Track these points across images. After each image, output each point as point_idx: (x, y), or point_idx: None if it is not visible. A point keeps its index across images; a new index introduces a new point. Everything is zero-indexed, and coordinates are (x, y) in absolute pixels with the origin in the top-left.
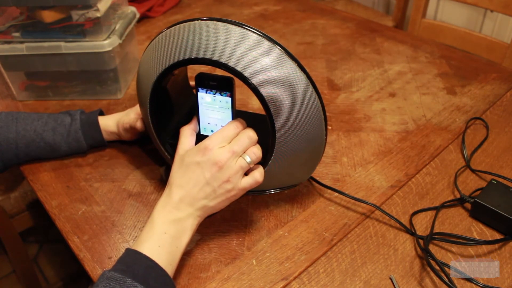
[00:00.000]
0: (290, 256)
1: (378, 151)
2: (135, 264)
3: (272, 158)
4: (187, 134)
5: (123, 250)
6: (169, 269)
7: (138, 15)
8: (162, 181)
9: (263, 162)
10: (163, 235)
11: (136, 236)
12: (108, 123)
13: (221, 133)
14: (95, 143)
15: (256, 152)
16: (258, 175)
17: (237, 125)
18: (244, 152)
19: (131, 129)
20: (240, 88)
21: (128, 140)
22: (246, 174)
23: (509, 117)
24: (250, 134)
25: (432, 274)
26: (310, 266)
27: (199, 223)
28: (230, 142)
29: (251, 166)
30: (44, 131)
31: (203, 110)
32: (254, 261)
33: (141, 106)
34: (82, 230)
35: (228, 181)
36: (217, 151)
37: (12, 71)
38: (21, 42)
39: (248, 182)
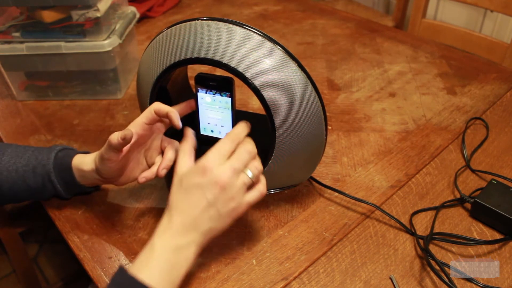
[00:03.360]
0: (290, 256)
1: (378, 151)
2: None
3: (272, 158)
4: (185, 152)
5: (123, 250)
6: None
7: (138, 15)
8: (162, 181)
9: (263, 162)
10: (162, 262)
11: (135, 236)
12: (85, 160)
13: (219, 149)
14: (70, 187)
15: (257, 166)
16: (262, 187)
17: (233, 139)
18: (245, 167)
19: (107, 153)
20: (240, 88)
21: (110, 180)
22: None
23: (509, 117)
24: (249, 148)
25: (432, 274)
26: (310, 266)
27: (201, 249)
28: (229, 157)
29: (254, 180)
30: (25, 171)
31: (203, 110)
32: (254, 261)
33: (141, 106)
34: (82, 230)
35: (232, 199)
36: (217, 170)
37: (12, 71)
38: (21, 42)
39: (253, 196)
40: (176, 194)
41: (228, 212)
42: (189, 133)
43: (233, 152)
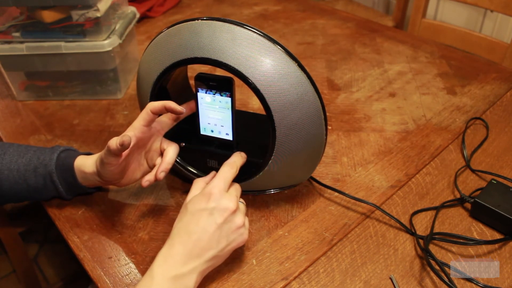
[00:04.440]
0: (290, 256)
1: (378, 151)
2: None
3: (272, 158)
4: (198, 187)
5: (123, 250)
6: None
7: (138, 15)
8: (162, 181)
9: (263, 162)
10: None
11: (135, 236)
12: (87, 162)
13: (223, 177)
14: (72, 188)
15: (239, 191)
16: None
17: (233, 166)
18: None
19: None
20: (240, 88)
21: (111, 182)
22: None
23: (509, 117)
24: (232, 174)
25: (432, 274)
26: (310, 266)
27: (201, 279)
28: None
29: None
30: (26, 171)
31: (203, 110)
32: (254, 261)
33: (141, 106)
34: (82, 230)
35: (240, 227)
36: (225, 196)
37: (12, 71)
38: (21, 42)
39: (247, 221)
40: (180, 221)
41: (236, 237)
42: (213, 173)
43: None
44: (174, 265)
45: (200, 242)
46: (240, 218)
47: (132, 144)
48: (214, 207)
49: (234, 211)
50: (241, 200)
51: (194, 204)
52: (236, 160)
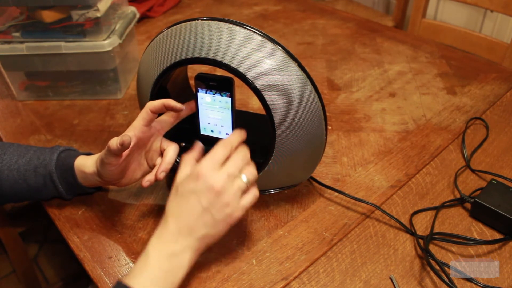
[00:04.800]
0: (290, 256)
1: (378, 151)
2: None
3: (272, 158)
4: (186, 163)
5: (123, 250)
6: None
7: (138, 15)
8: (163, 181)
9: (263, 162)
10: (156, 270)
11: (135, 236)
12: (87, 162)
13: (212, 156)
14: (72, 188)
15: (252, 171)
16: (256, 191)
17: (227, 145)
18: (240, 172)
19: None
20: (240, 88)
21: (111, 182)
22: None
23: (509, 117)
24: (243, 153)
25: (432, 274)
26: (310, 266)
27: (197, 257)
28: (223, 164)
29: (249, 186)
30: (26, 171)
31: (203, 110)
32: (254, 261)
33: (141, 106)
34: (82, 230)
35: (227, 205)
36: (211, 176)
37: (12, 71)
38: (21, 42)
39: (248, 200)
40: (171, 202)
41: (223, 218)
42: (197, 146)
43: (227, 158)
44: (167, 243)
45: (189, 222)
46: (227, 197)
47: (132, 144)
48: (201, 188)
49: (219, 191)
50: (246, 173)
51: (183, 185)
52: (232, 139)
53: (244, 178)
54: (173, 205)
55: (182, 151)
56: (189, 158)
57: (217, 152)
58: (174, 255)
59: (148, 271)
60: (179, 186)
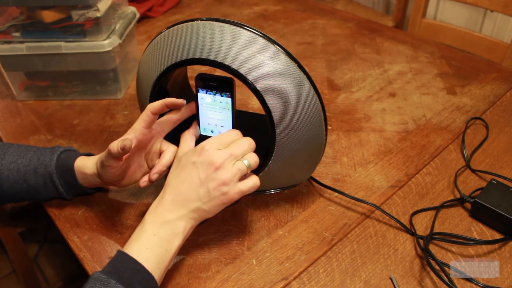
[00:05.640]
0: (290, 256)
1: (378, 151)
2: (122, 266)
3: (272, 158)
4: (186, 139)
5: None
6: (157, 272)
7: (138, 15)
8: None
9: (263, 162)
10: (152, 237)
11: None
12: (87, 163)
13: (220, 136)
14: (72, 188)
15: (254, 157)
16: (256, 179)
17: (237, 132)
18: (243, 156)
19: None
20: (240, 88)
21: (112, 183)
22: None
23: (509, 117)
24: (250, 141)
25: (432, 274)
26: (310, 266)
27: (192, 227)
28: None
29: (249, 171)
30: (26, 171)
31: (203, 110)
32: (254, 261)
33: (141, 106)
34: (82, 230)
35: (224, 183)
36: (213, 152)
37: (12, 71)
38: (21, 42)
39: (247, 185)
40: (172, 173)
41: (218, 195)
42: (194, 124)
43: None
44: (162, 212)
45: (184, 193)
46: (224, 175)
47: (133, 146)
48: (201, 161)
49: (218, 167)
50: (248, 159)
51: (186, 157)
52: (246, 140)
53: (246, 162)
54: (173, 176)
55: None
56: (188, 135)
57: (226, 134)
58: (168, 222)
59: (143, 238)
60: (182, 158)
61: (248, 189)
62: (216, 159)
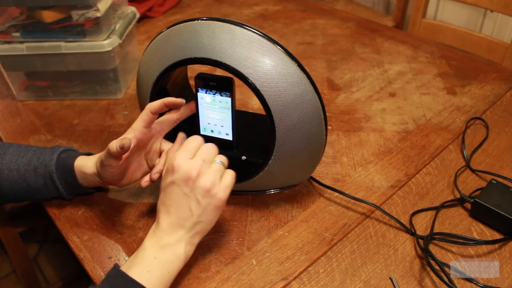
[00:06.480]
0: (290, 256)
1: (378, 151)
2: (122, 287)
3: (272, 158)
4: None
5: (123, 250)
6: None
7: (138, 15)
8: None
9: (263, 162)
10: (153, 260)
11: (135, 236)
12: (87, 163)
13: (184, 148)
14: (72, 188)
15: (224, 157)
16: (231, 171)
17: (196, 138)
18: (213, 158)
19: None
20: (240, 88)
21: (112, 183)
22: None
23: (509, 117)
24: (214, 145)
25: (432, 274)
26: (310, 266)
27: (193, 246)
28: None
29: (224, 168)
30: (26, 171)
31: (203, 110)
32: (254, 261)
33: (141, 106)
34: (82, 230)
35: (209, 189)
36: (186, 164)
37: (12, 71)
38: (21, 42)
39: (228, 179)
40: (159, 200)
41: (209, 201)
42: (179, 138)
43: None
44: (161, 236)
45: (177, 214)
46: (207, 180)
47: (132, 146)
48: (179, 178)
49: (197, 176)
50: (219, 158)
51: (163, 179)
52: (210, 144)
53: (218, 161)
54: (160, 201)
55: None
56: (170, 152)
57: (188, 143)
58: (168, 245)
59: (144, 261)
60: (161, 182)
61: (231, 182)
62: (191, 170)
